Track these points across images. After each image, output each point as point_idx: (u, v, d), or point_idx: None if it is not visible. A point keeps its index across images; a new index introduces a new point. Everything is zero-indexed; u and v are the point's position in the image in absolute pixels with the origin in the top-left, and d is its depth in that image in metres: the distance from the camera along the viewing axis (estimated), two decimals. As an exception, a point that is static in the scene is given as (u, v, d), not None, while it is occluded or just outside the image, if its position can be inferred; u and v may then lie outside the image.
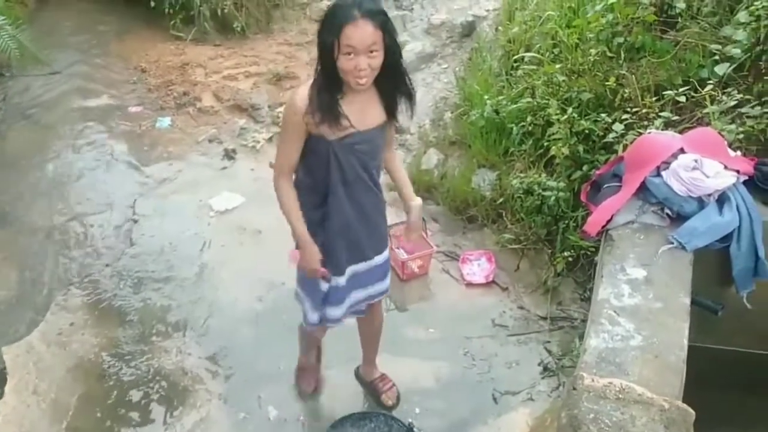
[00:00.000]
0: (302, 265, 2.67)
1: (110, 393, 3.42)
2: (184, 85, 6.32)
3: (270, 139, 5.58)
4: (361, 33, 2.22)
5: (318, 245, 2.63)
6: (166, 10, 6.99)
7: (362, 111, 2.47)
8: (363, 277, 2.83)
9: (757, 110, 3.31)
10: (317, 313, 2.84)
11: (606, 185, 2.86)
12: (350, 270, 2.77)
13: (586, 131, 3.91)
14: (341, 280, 2.74)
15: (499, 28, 5.69)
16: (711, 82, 3.47)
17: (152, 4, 6.98)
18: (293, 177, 2.62)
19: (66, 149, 5.49)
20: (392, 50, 2.33)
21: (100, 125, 5.82)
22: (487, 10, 6.26)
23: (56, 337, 3.72)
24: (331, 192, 2.57)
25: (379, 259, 2.85)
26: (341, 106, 2.41)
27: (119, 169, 5.29)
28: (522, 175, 4.26)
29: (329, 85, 2.37)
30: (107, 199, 4.92)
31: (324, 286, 2.74)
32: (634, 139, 3.17)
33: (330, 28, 2.26)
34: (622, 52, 4.00)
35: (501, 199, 4.40)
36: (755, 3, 3.47)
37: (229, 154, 5.46)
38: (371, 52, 2.26)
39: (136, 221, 4.69)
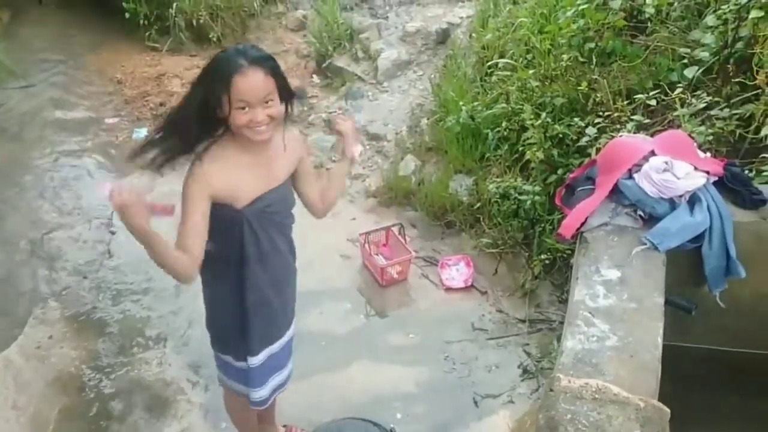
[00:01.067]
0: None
1: (91, 406, 3.41)
2: (160, 96, 6.32)
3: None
4: (253, 83, 2.05)
5: (228, 323, 2.45)
6: (141, 22, 6.99)
7: (268, 165, 2.28)
8: (279, 356, 2.62)
9: (726, 112, 3.37)
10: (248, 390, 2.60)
11: (580, 188, 2.89)
12: (266, 352, 2.54)
13: (560, 135, 3.97)
14: (255, 360, 2.49)
15: (473, 35, 5.74)
16: (681, 85, 3.53)
17: (127, 15, 6.97)
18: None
19: (43, 161, 5.45)
20: (288, 95, 2.18)
21: (77, 137, 5.79)
22: (461, 18, 6.32)
23: (35, 350, 3.69)
24: (246, 267, 2.33)
25: (289, 334, 2.66)
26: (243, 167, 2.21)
27: (97, 181, 5.26)
28: (498, 179, 4.31)
29: (212, 139, 2.20)
30: (85, 211, 4.90)
31: (242, 365, 2.52)
32: (607, 142, 3.21)
33: (216, 83, 2.06)
34: (593, 57, 4.06)
35: (478, 204, 4.44)
36: (722, 7, 3.53)
37: (207, 164, 5.44)
38: (266, 102, 2.09)
39: (114, 233, 4.67)
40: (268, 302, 2.45)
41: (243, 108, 2.06)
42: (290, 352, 2.73)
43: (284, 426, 3.18)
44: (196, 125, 2.16)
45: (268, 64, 2.09)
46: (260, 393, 2.59)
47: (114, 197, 1.91)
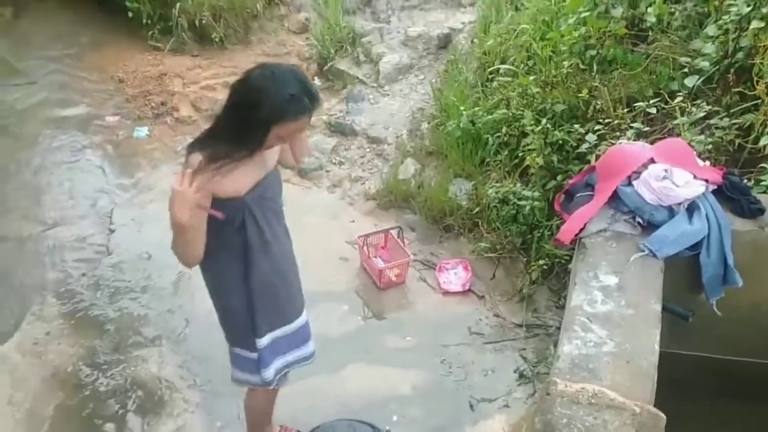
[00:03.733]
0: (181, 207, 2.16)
1: (87, 403, 3.41)
2: (161, 95, 6.32)
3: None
4: (309, 120, 2.22)
5: (237, 305, 2.51)
6: (144, 21, 6.98)
7: (261, 153, 2.33)
8: (283, 342, 2.67)
9: (726, 121, 3.38)
10: (257, 376, 2.68)
11: (579, 194, 2.90)
12: (270, 336, 2.60)
13: (560, 142, 3.98)
14: (261, 342, 2.57)
15: (475, 40, 5.76)
16: (681, 94, 3.55)
17: (130, 14, 6.97)
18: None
19: (43, 159, 5.46)
20: None
21: (78, 135, 5.80)
22: (463, 23, 6.34)
23: (32, 346, 3.70)
24: (249, 254, 2.40)
25: (299, 322, 2.72)
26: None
27: (96, 179, 5.27)
28: (498, 184, 4.32)
29: (247, 152, 2.23)
30: (84, 209, 4.90)
31: (254, 355, 2.60)
32: (607, 149, 3.22)
33: (279, 115, 2.13)
34: (594, 65, 4.07)
35: (477, 209, 4.45)
36: (723, 17, 3.55)
37: (207, 164, 5.45)
38: None
39: (113, 231, 4.68)
40: (273, 288, 2.52)
41: (285, 139, 2.23)
42: (303, 339, 2.77)
43: (281, 426, 3.18)
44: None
45: (319, 100, 2.22)
46: (265, 374, 2.64)
47: (181, 186, 2.08)
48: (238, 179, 2.26)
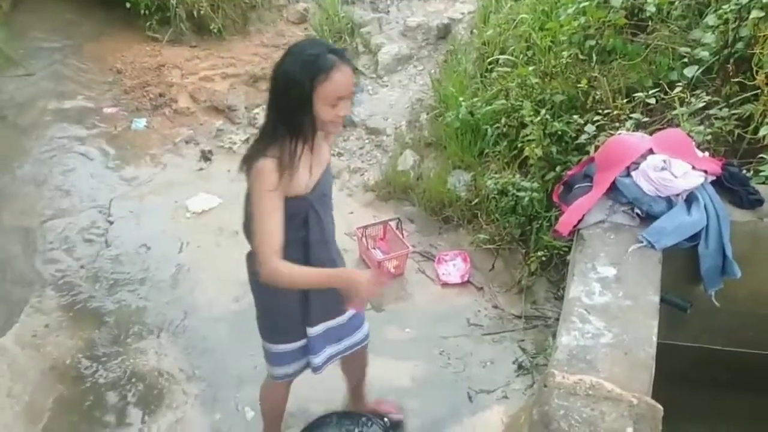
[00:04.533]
0: (365, 292, 2.28)
1: (86, 395, 3.41)
2: (160, 87, 6.30)
3: (246, 141, 5.58)
4: (349, 78, 2.12)
5: (289, 301, 2.48)
6: (142, 12, 6.95)
7: (318, 149, 2.32)
8: (335, 332, 2.68)
9: (725, 112, 3.38)
10: (294, 364, 2.68)
11: (577, 185, 2.89)
12: (322, 326, 2.61)
13: (559, 132, 3.97)
14: (313, 331, 2.58)
15: (474, 30, 5.74)
16: (680, 84, 3.54)
17: (128, 5, 6.93)
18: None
19: (40, 150, 5.45)
20: None
21: (76, 126, 5.79)
22: (462, 13, 6.32)
23: (31, 339, 3.70)
24: (310, 249, 2.39)
25: (349, 314, 2.71)
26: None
27: (94, 171, 5.27)
28: (497, 175, 4.31)
29: (303, 137, 2.18)
30: (82, 201, 4.90)
31: (298, 344, 2.60)
32: (606, 140, 3.21)
33: (310, 79, 2.06)
34: (593, 55, 4.06)
35: (476, 200, 4.44)
36: (723, 6, 3.54)
37: (206, 156, 5.46)
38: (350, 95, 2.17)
39: (111, 222, 4.68)
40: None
41: (334, 105, 2.11)
42: (355, 326, 2.77)
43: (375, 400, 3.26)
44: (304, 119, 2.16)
45: (348, 57, 2.15)
46: (316, 360, 2.65)
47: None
48: (303, 177, 2.25)
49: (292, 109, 2.12)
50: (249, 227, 2.32)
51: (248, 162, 2.21)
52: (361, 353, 2.93)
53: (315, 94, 2.08)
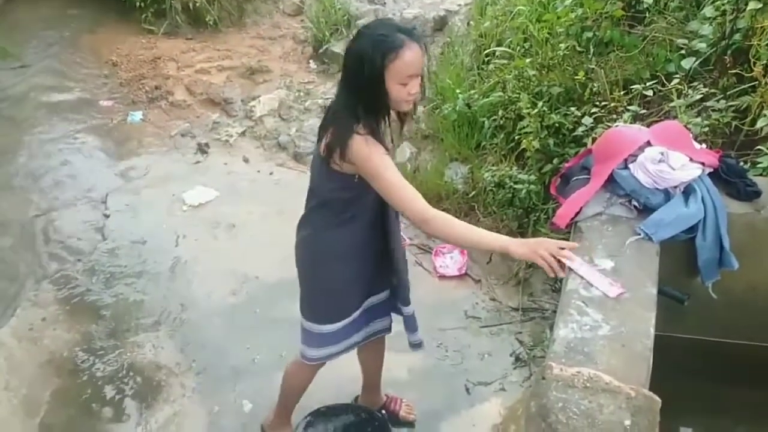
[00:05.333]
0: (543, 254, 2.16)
1: (83, 388, 3.41)
2: (156, 79, 6.29)
3: (243, 134, 5.57)
4: (418, 57, 2.14)
5: (354, 270, 2.53)
6: (138, 4, 6.93)
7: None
8: (374, 310, 2.76)
9: (722, 104, 3.37)
10: (335, 345, 2.69)
11: (575, 178, 2.88)
12: (368, 301, 2.70)
13: (557, 125, 3.96)
14: (367, 303, 2.68)
15: (471, 22, 5.72)
16: (678, 76, 3.53)
17: (123, -3, 6.92)
18: (343, 216, 2.42)
19: (36, 144, 5.43)
20: None
21: (71, 119, 5.77)
22: (459, 5, 6.29)
23: (27, 332, 3.70)
24: (386, 218, 2.48)
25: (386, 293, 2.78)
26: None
27: (91, 164, 5.26)
28: (494, 168, 4.30)
29: (379, 114, 2.27)
30: (79, 194, 4.89)
31: (342, 324, 2.61)
32: (603, 132, 3.21)
33: (381, 57, 2.10)
34: (591, 47, 4.05)
35: (473, 192, 4.44)
36: (720, -2, 3.53)
37: (202, 149, 5.44)
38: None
39: (108, 216, 4.67)
40: (404, 257, 2.66)
41: (405, 84, 2.15)
42: (388, 310, 2.84)
43: (386, 395, 3.27)
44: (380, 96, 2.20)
45: (418, 35, 2.18)
46: (356, 338, 2.73)
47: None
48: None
49: (366, 86, 2.16)
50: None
51: (340, 145, 2.20)
52: (382, 341, 2.98)
53: (386, 72, 2.12)
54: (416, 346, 2.86)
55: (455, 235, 2.23)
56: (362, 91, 2.18)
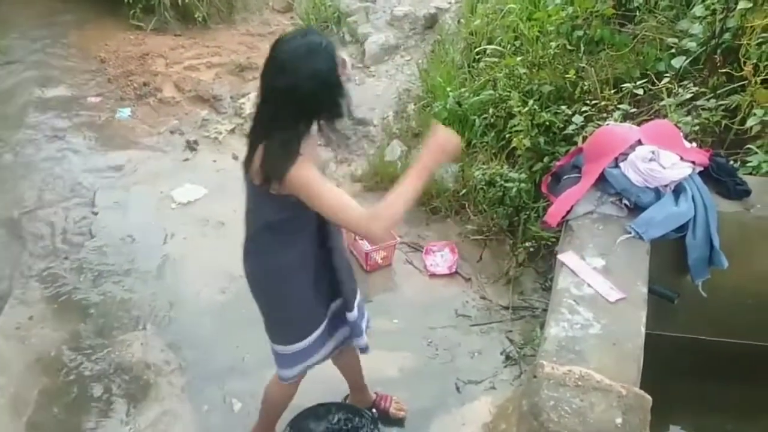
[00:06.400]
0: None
1: (71, 387, 3.39)
2: (144, 76, 6.23)
3: (232, 131, 5.54)
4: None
5: (310, 284, 2.50)
6: (126, 0, 6.88)
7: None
8: (337, 318, 2.71)
9: (712, 103, 3.39)
10: (306, 362, 2.66)
11: (566, 176, 2.89)
12: (357, 302, 2.69)
13: (547, 123, 3.97)
14: (352, 316, 2.64)
15: (462, 20, 5.72)
16: (668, 75, 3.55)
17: (112, -7, 6.86)
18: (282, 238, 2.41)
19: (23, 140, 5.37)
20: None
21: (59, 116, 5.71)
22: (450, 3, 6.29)
23: (15, 331, 3.66)
24: (326, 231, 2.44)
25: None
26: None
27: (78, 161, 5.20)
28: (484, 166, 4.30)
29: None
30: (66, 191, 4.83)
31: (313, 339, 2.59)
32: (594, 131, 3.22)
33: (335, 65, 2.14)
34: (581, 45, 4.06)
35: (464, 191, 4.43)
36: (710, -3, 3.55)
37: (191, 146, 5.40)
38: None
39: (96, 213, 4.63)
40: (348, 264, 2.61)
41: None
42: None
43: (376, 393, 3.26)
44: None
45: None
46: (364, 340, 2.74)
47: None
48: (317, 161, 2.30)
49: (326, 101, 2.19)
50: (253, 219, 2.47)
51: (279, 177, 2.14)
52: (353, 348, 2.91)
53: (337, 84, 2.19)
54: (363, 350, 2.81)
55: (399, 208, 2.17)
56: (322, 105, 2.19)
